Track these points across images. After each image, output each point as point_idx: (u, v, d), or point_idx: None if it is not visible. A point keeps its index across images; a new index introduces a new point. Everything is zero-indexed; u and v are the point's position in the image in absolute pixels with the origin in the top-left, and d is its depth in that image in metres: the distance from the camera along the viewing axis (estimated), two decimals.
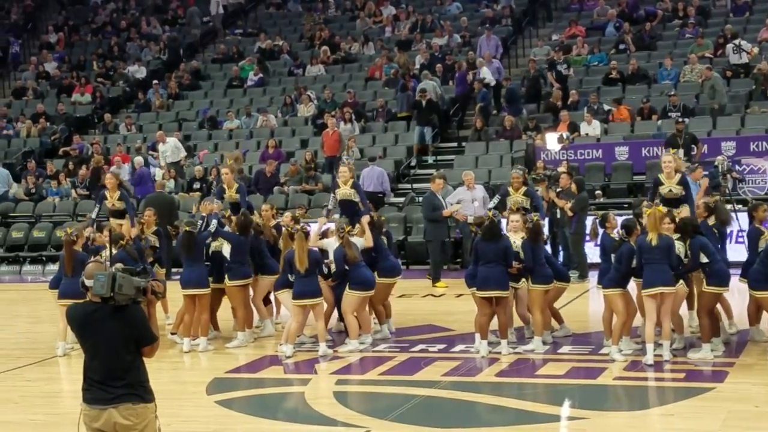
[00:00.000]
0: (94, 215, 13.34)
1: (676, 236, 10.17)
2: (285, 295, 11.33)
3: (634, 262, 10.11)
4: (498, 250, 10.59)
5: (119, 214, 13.21)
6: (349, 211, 12.11)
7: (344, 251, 11.21)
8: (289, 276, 11.05)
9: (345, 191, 12.30)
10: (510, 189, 12.43)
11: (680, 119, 19.73)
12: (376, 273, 11.83)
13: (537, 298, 10.87)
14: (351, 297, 11.26)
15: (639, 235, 10.22)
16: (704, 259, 10.07)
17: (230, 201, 12.80)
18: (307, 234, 11.15)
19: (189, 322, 11.77)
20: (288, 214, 12.29)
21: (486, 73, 23.37)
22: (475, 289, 10.82)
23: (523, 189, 12.38)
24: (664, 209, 10.20)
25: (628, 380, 9.65)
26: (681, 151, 18.87)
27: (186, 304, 11.82)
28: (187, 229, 11.60)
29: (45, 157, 25.33)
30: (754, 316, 10.80)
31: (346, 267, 11.24)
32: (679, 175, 11.17)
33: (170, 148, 22.87)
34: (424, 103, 22.69)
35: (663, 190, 11.13)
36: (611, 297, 10.29)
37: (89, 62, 29.74)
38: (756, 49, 22.67)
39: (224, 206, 12.72)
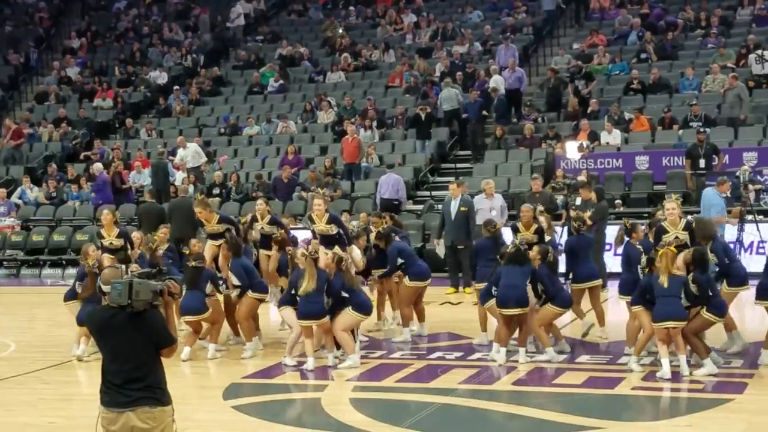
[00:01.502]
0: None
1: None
2: (286, 312, 11.23)
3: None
4: (524, 271, 10.79)
5: (114, 253, 12.07)
6: (330, 243, 11.42)
7: (343, 279, 10.94)
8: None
9: (321, 227, 11.54)
10: (519, 225, 11.92)
11: (702, 129, 19.65)
12: (407, 277, 12.17)
13: (550, 318, 11.11)
14: (349, 317, 10.94)
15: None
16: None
17: (212, 233, 12.10)
18: (315, 260, 10.92)
19: (193, 337, 11.77)
20: (315, 242, 11.70)
21: (495, 82, 23.23)
22: (493, 303, 10.92)
23: (534, 227, 11.78)
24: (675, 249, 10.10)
25: (646, 390, 9.60)
26: (702, 161, 18.86)
27: (190, 325, 11.86)
28: (194, 264, 11.59)
29: (66, 162, 25.49)
30: None
31: (344, 294, 10.93)
32: (684, 221, 10.61)
33: (191, 153, 22.99)
34: (423, 116, 22.71)
35: (668, 238, 10.42)
36: (638, 312, 10.32)
37: (111, 68, 29.93)
38: None
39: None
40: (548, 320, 11.09)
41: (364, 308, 11.05)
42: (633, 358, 10.27)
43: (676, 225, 10.58)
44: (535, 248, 11.14)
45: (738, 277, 10.76)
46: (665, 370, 9.81)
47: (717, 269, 10.65)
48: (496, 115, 22.80)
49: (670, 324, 9.81)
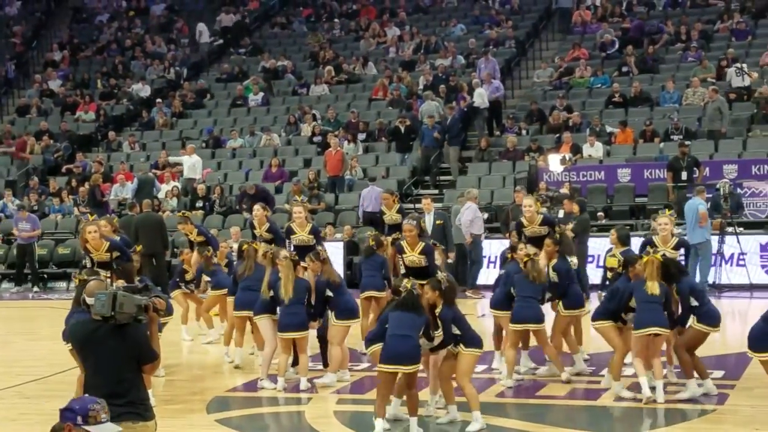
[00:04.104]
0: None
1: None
2: (264, 322, 10.62)
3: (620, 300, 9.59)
4: (416, 323, 8.39)
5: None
6: (306, 254, 10.93)
7: (327, 279, 10.47)
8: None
9: (302, 237, 11.48)
10: (404, 244, 10.90)
11: (684, 142, 19.78)
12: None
13: (471, 367, 8.89)
14: (338, 328, 10.52)
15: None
16: (694, 303, 9.54)
17: (99, 260, 10.75)
18: (295, 262, 10.52)
19: None
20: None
21: (478, 96, 23.21)
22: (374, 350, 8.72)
23: (420, 246, 10.79)
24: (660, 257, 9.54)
25: (629, 401, 9.61)
26: (684, 174, 19.01)
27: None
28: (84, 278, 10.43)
29: (48, 175, 25.41)
30: None
31: (330, 293, 10.52)
32: (676, 239, 10.14)
33: (190, 164, 22.99)
34: (402, 129, 22.74)
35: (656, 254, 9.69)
36: (605, 329, 9.71)
37: (93, 80, 29.86)
38: (756, 74, 22.76)
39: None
40: (472, 371, 8.93)
41: (347, 312, 10.57)
42: (616, 384, 9.67)
43: (666, 242, 10.05)
44: (427, 286, 8.61)
45: (712, 318, 9.62)
46: (645, 391, 9.30)
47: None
48: (449, 135, 22.44)
49: (654, 330, 9.24)
